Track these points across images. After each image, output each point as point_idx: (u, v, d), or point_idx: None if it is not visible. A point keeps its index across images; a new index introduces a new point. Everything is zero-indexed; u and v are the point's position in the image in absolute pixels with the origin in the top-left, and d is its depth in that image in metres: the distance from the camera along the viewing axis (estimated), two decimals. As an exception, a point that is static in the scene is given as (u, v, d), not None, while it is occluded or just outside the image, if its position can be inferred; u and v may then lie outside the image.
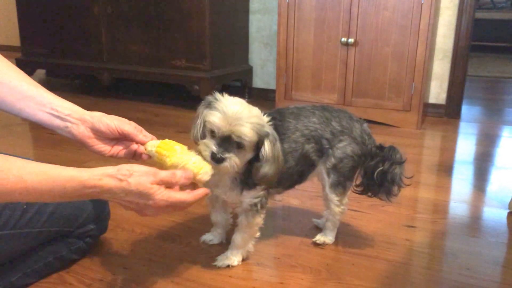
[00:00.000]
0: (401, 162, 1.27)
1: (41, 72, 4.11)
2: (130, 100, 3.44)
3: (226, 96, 1.09)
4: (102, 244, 1.35)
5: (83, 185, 0.83)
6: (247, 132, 1.03)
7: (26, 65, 3.46)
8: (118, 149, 1.08)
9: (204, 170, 0.99)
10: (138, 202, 0.90)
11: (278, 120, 1.22)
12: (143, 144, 1.07)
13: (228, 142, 1.04)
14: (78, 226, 1.21)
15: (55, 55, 3.53)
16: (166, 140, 1.04)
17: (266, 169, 1.08)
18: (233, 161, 1.05)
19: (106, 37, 3.27)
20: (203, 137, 1.08)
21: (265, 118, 1.11)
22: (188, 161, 0.98)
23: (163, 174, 0.92)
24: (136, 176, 0.88)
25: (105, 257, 1.29)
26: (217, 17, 2.99)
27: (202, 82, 2.97)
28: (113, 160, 1.10)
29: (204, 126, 1.08)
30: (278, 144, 1.09)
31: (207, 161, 1.03)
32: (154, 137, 1.09)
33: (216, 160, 1.03)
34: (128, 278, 1.20)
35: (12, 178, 0.76)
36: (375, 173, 1.26)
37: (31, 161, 0.81)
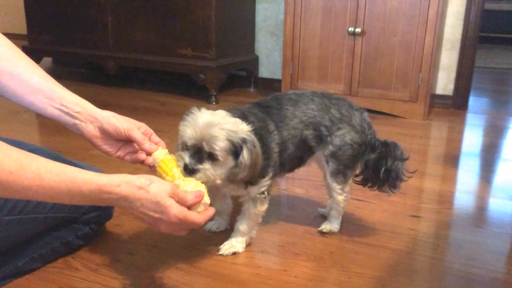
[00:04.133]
0: (403, 159, 1.28)
1: (47, 60, 4.11)
2: (135, 89, 3.44)
3: (203, 109, 1.08)
4: (108, 230, 1.36)
5: (100, 190, 0.83)
6: (216, 136, 1.01)
7: (32, 53, 3.46)
8: (125, 152, 1.08)
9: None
10: (152, 215, 0.88)
11: (275, 108, 1.22)
12: (148, 153, 1.05)
13: (200, 152, 1.03)
14: (84, 212, 1.22)
15: (61, 43, 3.53)
16: (168, 157, 1.04)
17: (243, 174, 1.07)
18: (208, 172, 1.04)
19: (112, 25, 3.27)
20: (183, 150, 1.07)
21: (244, 126, 1.08)
22: (185, 187, 0.97)
23: (178, 191, 0.92)
24: (156, 186, 0.87)
25: (110, 243, 1.30)
26: (223, 5, 2.97)
27: (207, 71, 2.96)
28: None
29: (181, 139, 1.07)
30: (258, 150, 1.07)
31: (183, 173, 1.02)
32: (162, 142, 1.09)
33: (188, 171, 1.02)
34: (133, 263, 1.21)
35: (30, 174, 0.76)
36: (381, 171, 1.27)
37: (51, 160, 0.81)
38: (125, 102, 2.98)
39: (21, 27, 3.94)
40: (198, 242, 1.31)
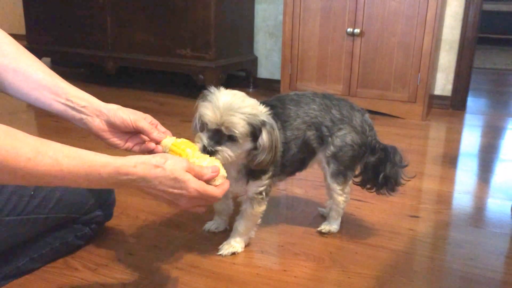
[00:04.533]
0: (402, 166, 1.29)
1: (46, 61, 4.11)
2: (135, 89, 3.44)
3: (222, 89, 1.09)
4: (107, 231, 1.36)
5: (118, 172, 0.83)
6: (237, 122, 1.02)
7: (31, 53, 3.46)
8: (133, 143, 1.09)
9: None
10: (172, 191, 0.89)
11: (279, 108, 1.22)
12: (157, 142, 1.06)
13: (220, 134, 1.04)
14: (84, 212, 1.22)
15: (60, 43, 3.53)
16: (178, 141, 1.04)
17: (262, 157, 1.08)
18: (226, 153, 1.04)
19: (111, 25, 3.27)
20: (202, 130, 1.08)
21: (263, 108, 1.09)
22: (200, 164, 0.98)
23: (193, 166, 0.93)
24: (171, 163, 0.88)
25: (110, 243, 1.30)
26: (223, 6, 2.98)
27: (207, 72, 2.96)
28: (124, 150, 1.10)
29: (200, 119, 1.08)
30: (277, 132, 1.08)
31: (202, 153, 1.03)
32: (168, 132, 1.10)
33: (207, 153, 1.03)
34: (133, 263, 1.21)
35: (48, 160, 0.76)
36: (379, 176, 1.28)
37: (67, 145, 0.81)
38: (124, 102, 2.94)
39: (20, 27, 3.94)
40: (198, 242, 1.32)
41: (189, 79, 3.14)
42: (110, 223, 1.36)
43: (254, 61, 3.44)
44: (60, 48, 3.55)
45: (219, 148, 1.04)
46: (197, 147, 1.02)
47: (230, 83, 3.45)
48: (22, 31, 3.74)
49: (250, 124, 1.04)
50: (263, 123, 1.06)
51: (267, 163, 1.09)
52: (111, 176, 0.83)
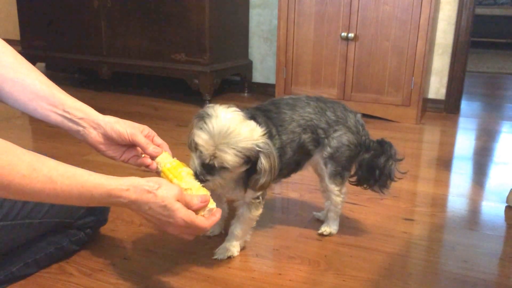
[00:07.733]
0: (398, 160, 1.30)
1: (41, 66, 4.10)
2: (129, 94, 3.44)
3: (219, 109, 1.06)
4: (102, 235, 1.36)
5: (109, 194, 0.84)
6: (229, 160, 1.03)
7: (26, 59, 3.45)
8: (130, 156, 1.09)
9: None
10: (160, 218, 0.91)
11: (274, 112, 1.23)
12: (152, 156, 1.07)
13: (212, 163, 1.05)
14: (78, 217, 1.22)
15: (55, 49, 3.53)
16: (168, 166, 1.04)
17: (263, 180, 1.08)
18: (217, 182, 1.07)
19: (106, 30, 3.27)
20: (196, 150, 1.08)
21: (259, 131, 1.07)
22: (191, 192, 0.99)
23: (185, 194, 0.95)
24: (164, 189, 0.90)
25: (105, 248, 1.30)
26: (217, 11, 2.99)
27: (201, 76, 2.97)
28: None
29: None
30: (274, 155, 1.08)
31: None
32: (165, 144, 1.10)
33: (199, 180, 1.05)
34: (128, 268, 1.20)
35: (42, 178, 0.76)
36: (375, 169, 1.28)
37: (62, 163, 0.82)
38: (119, 107, 2.97)
39: (14, 33, 3.93)
40: (193, 246, 1.32)
41: (184, 84, 3.15)
42: (105, 227, 1.36)
43: (249, 65, 3.45)
44: (54, 53, 3.55)
45: (209, 178, 1.06)
46: (184, 177, 1.03)
47: (225, 87, 3.46)
48: (17, 36, 3.73)
49: (243, 158, 1.04)
50: (260, 150, 1.06)
51: (268, 184, 1.11)
52: (102, 197, 0.84)
